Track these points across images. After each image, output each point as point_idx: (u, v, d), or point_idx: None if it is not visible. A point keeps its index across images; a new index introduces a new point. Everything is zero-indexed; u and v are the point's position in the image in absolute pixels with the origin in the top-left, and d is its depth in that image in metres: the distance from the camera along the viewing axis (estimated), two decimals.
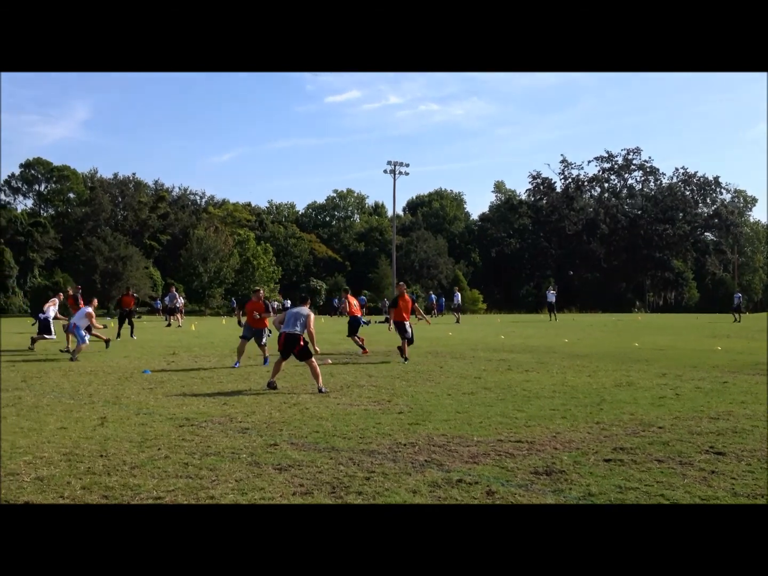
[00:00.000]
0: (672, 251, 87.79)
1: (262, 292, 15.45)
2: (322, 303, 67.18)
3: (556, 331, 27.89)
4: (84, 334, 16.29)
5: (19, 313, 60.42)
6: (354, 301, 18.77)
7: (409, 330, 15.54)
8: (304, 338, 11.22)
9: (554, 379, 11.86)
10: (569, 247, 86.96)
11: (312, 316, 11.41)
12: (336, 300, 60.16)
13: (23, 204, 79.93)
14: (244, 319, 15.20)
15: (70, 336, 17.17)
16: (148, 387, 11.11)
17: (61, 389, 10.91)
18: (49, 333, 18.39)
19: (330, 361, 14.80)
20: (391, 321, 16.24)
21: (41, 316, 18.68)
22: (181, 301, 36.23)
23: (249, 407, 9.11)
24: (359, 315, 18.68)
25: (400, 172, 70.37)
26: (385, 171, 69.99)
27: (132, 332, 23.34)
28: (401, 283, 17.40)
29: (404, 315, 15.71)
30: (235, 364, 14.20)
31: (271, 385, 10.96)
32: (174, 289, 36.49)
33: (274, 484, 5.43)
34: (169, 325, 32.41)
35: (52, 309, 18.74)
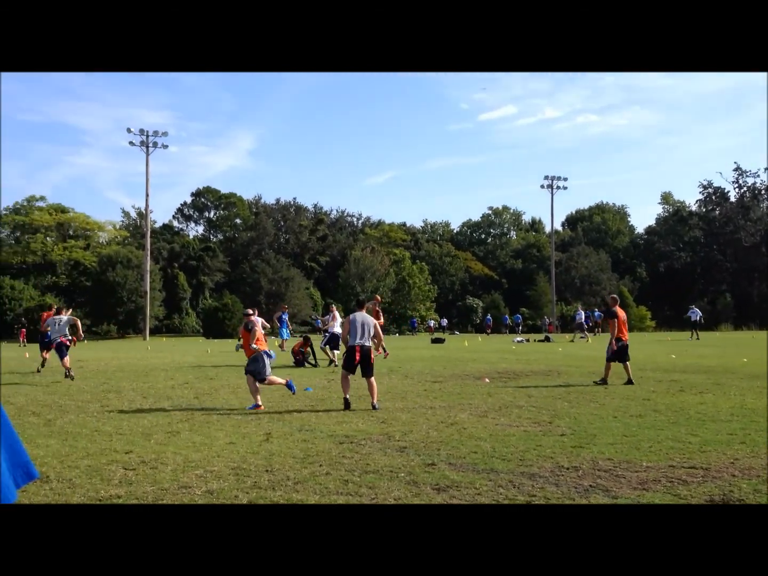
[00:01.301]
0: None
1: (251, 313, 12.26)
2: (478, 321, 66.72)
3: (734, 350, 25.87)
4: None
5: (192, 333, 64.86)
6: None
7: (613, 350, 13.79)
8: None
9: (732, 402, 10.94)
10: (746, 259, 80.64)
11: (377, 323, 11.23)
12: (489, 318, 59.61)
13: (195, 230, 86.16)
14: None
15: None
16: (310, 404, 11.44)
17: (230, 405, 11.49)
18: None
19: (488, 380, 14.56)
20: (613, 338, 13.92)
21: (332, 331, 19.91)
22: (339, 320, 37.23)
23: (406, 426, 9.11)
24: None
25: (558, 187, 68.84)
26: (542, 186, 68.79)
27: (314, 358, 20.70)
28: (614, 295, 15.20)
29: (624, 330, 13.93)
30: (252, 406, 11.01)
31: (348, 403, 10.80)
32: (334, 309, 37.60)
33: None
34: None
35: (337, 323, 20.13)
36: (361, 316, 11.14)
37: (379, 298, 22.62)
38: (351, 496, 5.63)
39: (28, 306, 55.21)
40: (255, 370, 11.18)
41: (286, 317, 24.42)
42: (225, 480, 6.27)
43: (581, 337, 37.39)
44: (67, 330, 16.55)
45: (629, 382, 13.57)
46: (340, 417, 9.99)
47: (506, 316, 59.28)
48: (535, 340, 36.92)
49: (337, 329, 19.42)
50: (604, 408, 10.49)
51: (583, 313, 41.80)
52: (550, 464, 6.72)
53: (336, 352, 19.40)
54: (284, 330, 23.74)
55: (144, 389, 14.16)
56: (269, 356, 11.39)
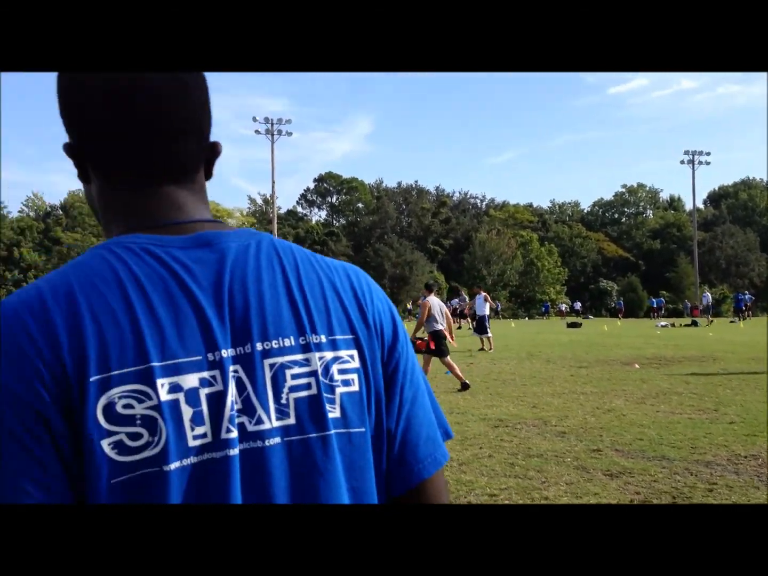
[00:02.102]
0: None
1: None
2: (613, 305, 64.51)
3: None
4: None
5: None
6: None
7: None
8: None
9: None
10: None
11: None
12: (620, 302, 57.27)
13: (318, 215, 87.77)
14: None
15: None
16: (454, 388, 11.45)
17: None
18: (486, 332, 18.94)
19: (638, 366, 14.06)
20: None
21: (478, 314, 19.28)
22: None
23: (560, 411, 8.95)
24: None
25: (700, 162, 65.21)
26: (681, 161, 65.41)
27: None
28: None
29: None
30: None
31: (466, 386, 11.02)
32: (464, 293, 37.54)
33: (607, 490, 5.24)
34: (459, 327, 33.19)
35: (487, 306, 19.65)
36: (438, 300, 11.38)
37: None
38: (520, 479, 5.61)
39: None
40: None
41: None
42: None
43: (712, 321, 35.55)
44: None
45: None
46: (489, 401, 9.96)
47: (653, 299, 56.65)
48: (681, 325, 35.24)
49: (487, 312, 19.40)
50: None
51: (709, 295, 40.44)
52: (725, 452, 6.42)
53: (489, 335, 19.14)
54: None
55: None
56: None
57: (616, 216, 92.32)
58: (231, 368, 0.84)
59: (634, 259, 78.80)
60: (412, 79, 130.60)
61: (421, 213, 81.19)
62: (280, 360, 0.87)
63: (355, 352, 0.92)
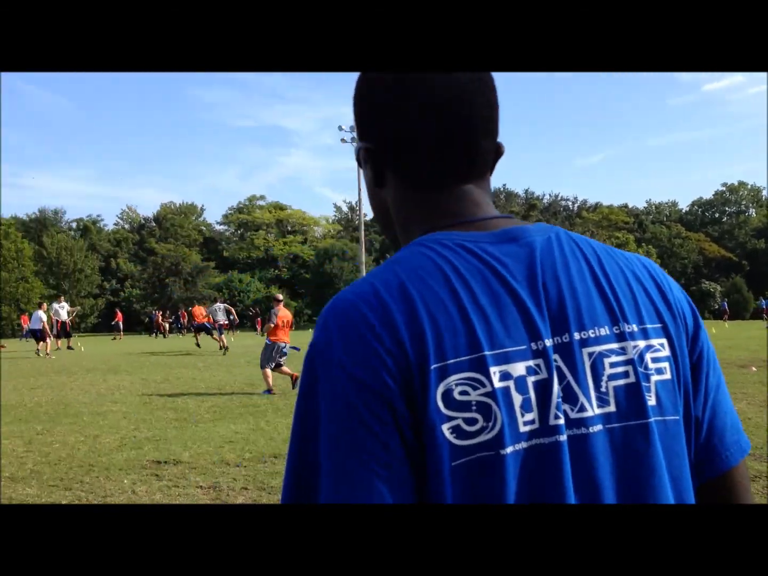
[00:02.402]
0: None
1: (280, 299, 12.30)
2: (717, 306, 61.79)
3: None
4: None
5: None
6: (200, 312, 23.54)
7: None
8: None
9: None
10: None
11: None
12: (724, 303, 54.65)
13: None
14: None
15: None
16: None
17: None
18: None
19: (755, 369, 13.38)
20: None
21: None
22: None
23: None
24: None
25: None
26: None
27: None
28: None
29: None
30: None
31: None
32: None
33: None
34: None
35: None
36: None
37: None
38: None
39: (256, 297, 60.07)
40: (261, 358, 11.74)
41: None
42: None
43: None
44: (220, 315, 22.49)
45: None
46: None
47: (763, 300, 53.82)
48: None
49: None
50: None
51: None
52: None
53: None
54: None
55: None
56: (274, 348, 11.54)
57: (717, 215, 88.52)
58: (552, 357, 0.87)
59: (737, 260, 75.30)
60: (500, 81, 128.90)
61: None
62: (597, 349, 0.90)
63: (665, 341, 0.94)
